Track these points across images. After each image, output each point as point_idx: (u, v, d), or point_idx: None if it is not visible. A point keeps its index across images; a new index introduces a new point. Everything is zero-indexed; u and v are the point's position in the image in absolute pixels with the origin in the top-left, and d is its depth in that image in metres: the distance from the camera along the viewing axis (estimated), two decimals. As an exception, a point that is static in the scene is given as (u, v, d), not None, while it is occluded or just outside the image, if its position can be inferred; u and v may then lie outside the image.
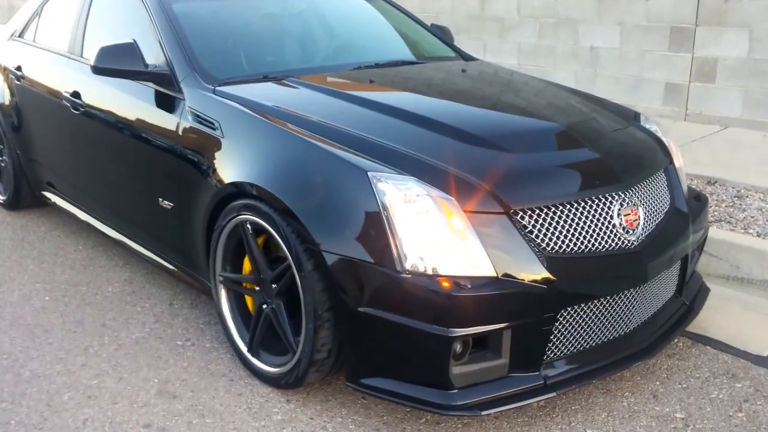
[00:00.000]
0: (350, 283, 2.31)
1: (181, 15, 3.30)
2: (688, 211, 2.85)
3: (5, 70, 4.54)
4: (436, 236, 2.24)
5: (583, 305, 2.41)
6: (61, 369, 2.87)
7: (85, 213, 3.94)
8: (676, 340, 2.97)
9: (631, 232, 2.52)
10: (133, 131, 3.24)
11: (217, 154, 2.77)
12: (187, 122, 2.94)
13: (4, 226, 4.50)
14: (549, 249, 2.34)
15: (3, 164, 4.73)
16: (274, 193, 2.46)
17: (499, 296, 2.25)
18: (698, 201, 3.07)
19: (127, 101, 3.29)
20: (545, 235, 2.35)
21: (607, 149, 2.70)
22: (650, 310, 2.69)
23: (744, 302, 3.36)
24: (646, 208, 2.63)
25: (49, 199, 4.36)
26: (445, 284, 2.20)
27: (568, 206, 2.41)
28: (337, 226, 2.33)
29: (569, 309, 2.38)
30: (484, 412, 2.26)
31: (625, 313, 2.54)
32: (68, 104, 3.70)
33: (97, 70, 3.07)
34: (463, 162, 2.43)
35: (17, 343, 3.07)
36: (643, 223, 2.58)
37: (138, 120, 3.22)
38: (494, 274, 2.25)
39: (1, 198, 4.82)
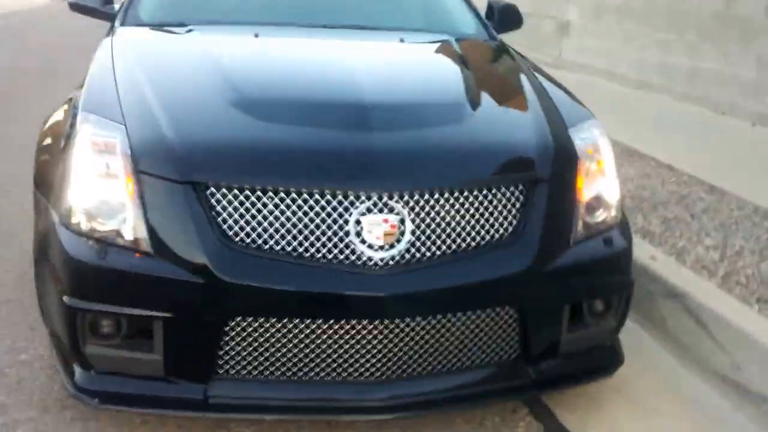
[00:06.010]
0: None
1: None
2: (539, 247, 2.01)
3: None
4: (106, 194, 1.97)
5: (268, 320, 1.88)
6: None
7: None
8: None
9: (377, 248, 1.88)
10: None
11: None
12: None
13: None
14: (237, 240, 1.88)
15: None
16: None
17: (144, 277, 1.89)
18: (609, 245, 2.16)
19: None
20: (236, 221, 1.89)
21: (406, 140, 2.05)
22: (419, 363, 2.00)
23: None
24: (434, 227, 1.93)
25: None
26: (87, 247, 1.94)
27: (282, 194, 1.89)
28: (50, 166, 2.21)
29: (249, 319, 1.88)
30: (102, 405, 1.97)
31: (343, 350, 1.93)
32: None
33: (72, 6, 3.28)
34: (185, 119, 2.08)
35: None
36: (411, 243, 1.91)
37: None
38: (148, 250, 1.90)
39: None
